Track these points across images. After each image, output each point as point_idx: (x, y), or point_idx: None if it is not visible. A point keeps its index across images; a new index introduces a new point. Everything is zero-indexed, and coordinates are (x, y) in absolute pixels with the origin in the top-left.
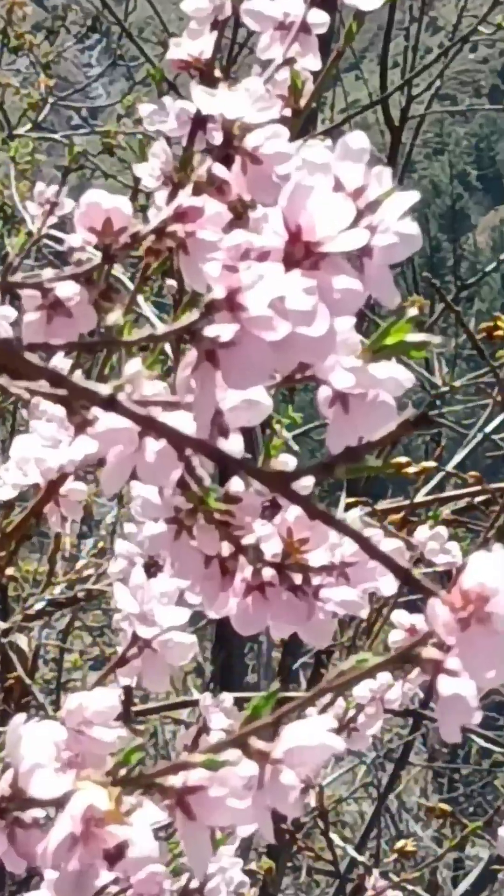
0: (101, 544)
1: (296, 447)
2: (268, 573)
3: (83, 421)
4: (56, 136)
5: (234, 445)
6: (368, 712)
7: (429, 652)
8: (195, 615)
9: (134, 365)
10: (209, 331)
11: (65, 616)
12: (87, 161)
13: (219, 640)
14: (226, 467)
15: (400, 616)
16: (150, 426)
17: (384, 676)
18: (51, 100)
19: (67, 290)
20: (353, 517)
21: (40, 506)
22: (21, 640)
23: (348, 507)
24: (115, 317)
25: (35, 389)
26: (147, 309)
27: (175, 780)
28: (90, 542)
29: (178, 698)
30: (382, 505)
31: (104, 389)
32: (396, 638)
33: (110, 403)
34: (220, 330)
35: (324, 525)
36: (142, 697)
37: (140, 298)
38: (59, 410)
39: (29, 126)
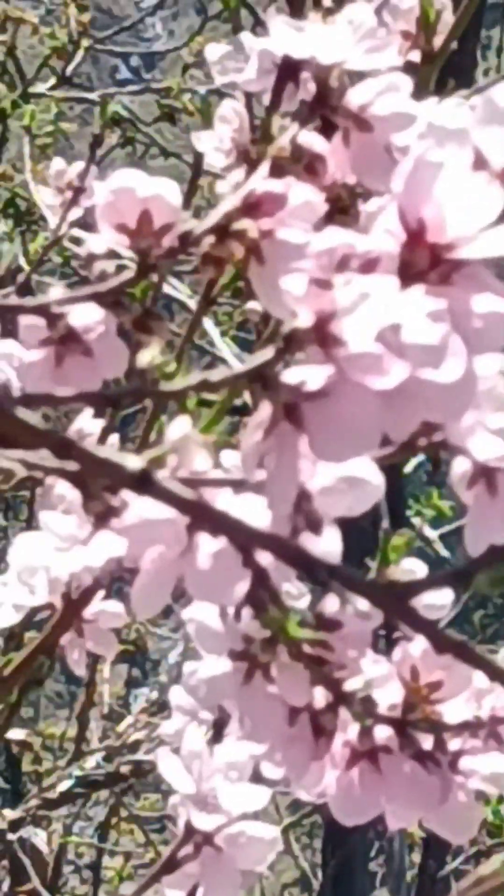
0: (158, 695)
1: (445, 552)
2: (383, 734)
3: (106, 509)
4: (92, 96)
5: (328, 545)
6: None
7: None
8: (297, 799)
9: (181, 426)
10: (290, 375)
11: (105, 802)
12: (137, 132)
13: (331, 836)
14: (316, 578)
15: None
16: (202, 517)
17: None
18: (85, 43)
19: (86, 317)
20: None
21: (53, 637)
22: (38, 837)
23: None
24: (150, 355)
25: (34, 463)
26: (224, 347)
27: None
28: (144, 691)
29: None
30: None
31: (134, 462)
32: None
33: (143, 483)
34: (306, 374)
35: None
36: None
37: (214, 332)
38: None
39: (53, 81)
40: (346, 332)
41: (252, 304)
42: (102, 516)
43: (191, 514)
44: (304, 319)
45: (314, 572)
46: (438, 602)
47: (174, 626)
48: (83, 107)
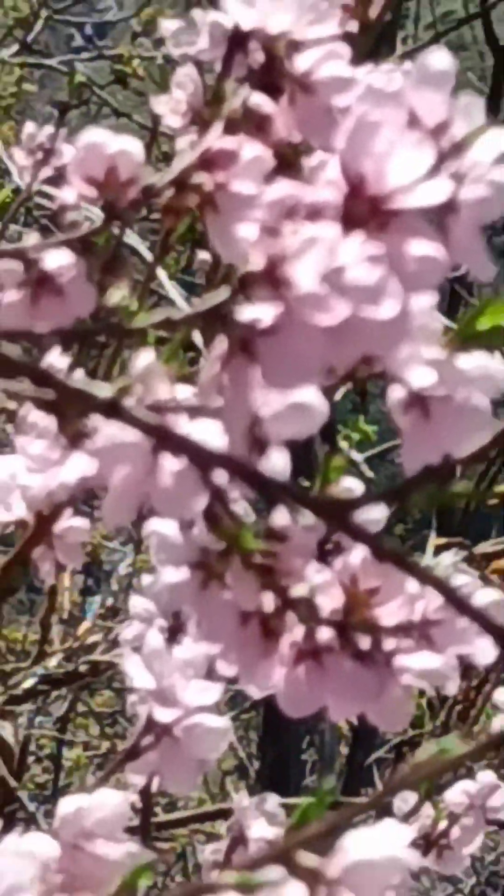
0: (111, 602)
1: (370, 473)
2: (325, 635)
3: (78, 433)
4: (52, 63)
5: (277, 465)
6: (465, 824)
7: None
8: (237, 695)
9: (145, 359)
10: (244, 313)
11: (63, 698)
12: (92, 94)
13: (268, 730)
14: (268, 494)
15: None
16: (165, 439)
17: (486, 776)
18: (44, 13)
19: (58, 261)
20: (444, 563)
21: (27, 550)
22: (5, 730)
23: (438, 549)
24: (119, 295)
25: (14, 392)
26: (172, 289)
27: None
28: (97, 599)
29: (215, 806)
30: (484, 547)
31: (104, 391)
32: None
33: (112, 409)
34: (259, 312)
35: (398, 571)
36: (167, 806)
37: (163, 275)
38: (52, 422)
39: (15, 48)
40: (294, 275)
41: (202, 254)
42: (76, 439)
43: (155, 438)
44: (256, 263)
45: (267, 489)
46: (372, 517)
47: (124, 541)
48: (41, 72)
